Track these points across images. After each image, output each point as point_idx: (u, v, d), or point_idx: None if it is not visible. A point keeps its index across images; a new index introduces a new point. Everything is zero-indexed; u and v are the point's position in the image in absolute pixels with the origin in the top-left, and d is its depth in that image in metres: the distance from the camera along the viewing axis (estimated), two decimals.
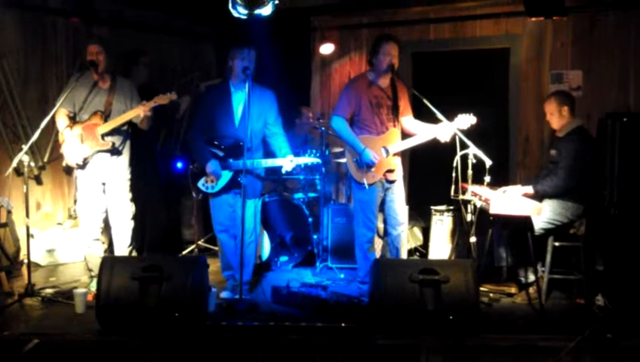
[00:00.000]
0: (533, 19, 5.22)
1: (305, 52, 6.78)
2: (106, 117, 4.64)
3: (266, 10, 4.39)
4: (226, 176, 4.51)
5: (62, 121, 4.68)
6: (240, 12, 4.38)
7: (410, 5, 6.26)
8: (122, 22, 6.19)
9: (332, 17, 6.63)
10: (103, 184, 4.75)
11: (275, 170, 5.38)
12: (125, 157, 4.82)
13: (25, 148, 4.52)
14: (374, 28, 6.50)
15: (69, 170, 5.90)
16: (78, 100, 4.67)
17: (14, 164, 4.57)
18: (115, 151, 4.72)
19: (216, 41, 7.07)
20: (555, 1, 4.96)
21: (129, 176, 4.86)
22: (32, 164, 5.35)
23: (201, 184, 4.57)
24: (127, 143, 4.84)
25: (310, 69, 6.82)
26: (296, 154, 4.57)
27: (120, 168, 4.78)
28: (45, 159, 5.71)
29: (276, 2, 4.37)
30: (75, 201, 5.91)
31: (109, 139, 4.64)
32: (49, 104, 5.50)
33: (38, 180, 5.72)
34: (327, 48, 6.54)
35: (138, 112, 4.59)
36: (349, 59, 6.67)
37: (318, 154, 4.47)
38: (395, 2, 6.25)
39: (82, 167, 4.67)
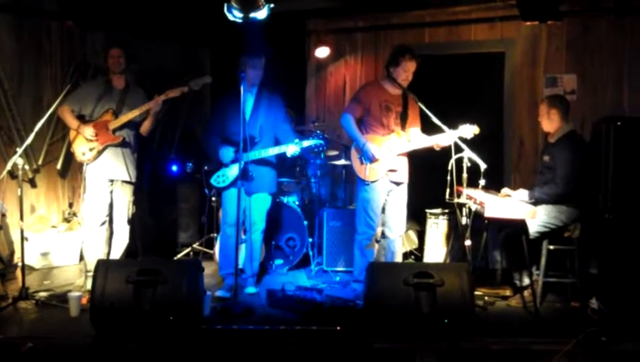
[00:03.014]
0: (528, 23, 5.23)
1: (300, 55, 6.78)
2: (117, 115, 4.79)
3: (261, 14, 4.39)
4: (237, 168, 4.58)
5: (73, 120, 4.79)
6: (235, 15, 4.38)
7: (405, 9, 6.28)
8: (117, 26, 6.18)
9: (327, 21, 6.64)
10: (111, 182, 4.84)
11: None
12: (134, 158, 4.94)
13: (19, 151, 4.53)
14: (370, 32, 6.53)
15: (63, 173, 5.89)
16: (90, 101, 4.79)
17: (9, 166, 4.58)
18: (125, 145, 4.83)
19: (211, 44, 7.07)
20: (550, 6, 4.98)
21: (135, 180, 4.96)
22: (27, 166, 5.35)
23: (212, 180, 4.75)
24: (137, 145, 4.97)
25: (305, 72, 6.82)
26: None
27: (129, 169, 4.89)
28: (40, 162, 5.69)
29: (271, 6, 4.38)
30: (70, 204, 5.91)
31: (119, 133, 4.78)
32: (43, 107, 5.49)
33: (33, 183, 5.69)
34: (322, 52, 6.56)
35: (150, 105, 4.76)
36: (345, 63, 6.67)
37: (321, 137, 4.53)
38: (391, 6, 6.26)
39: (92, 162, 4.78)
